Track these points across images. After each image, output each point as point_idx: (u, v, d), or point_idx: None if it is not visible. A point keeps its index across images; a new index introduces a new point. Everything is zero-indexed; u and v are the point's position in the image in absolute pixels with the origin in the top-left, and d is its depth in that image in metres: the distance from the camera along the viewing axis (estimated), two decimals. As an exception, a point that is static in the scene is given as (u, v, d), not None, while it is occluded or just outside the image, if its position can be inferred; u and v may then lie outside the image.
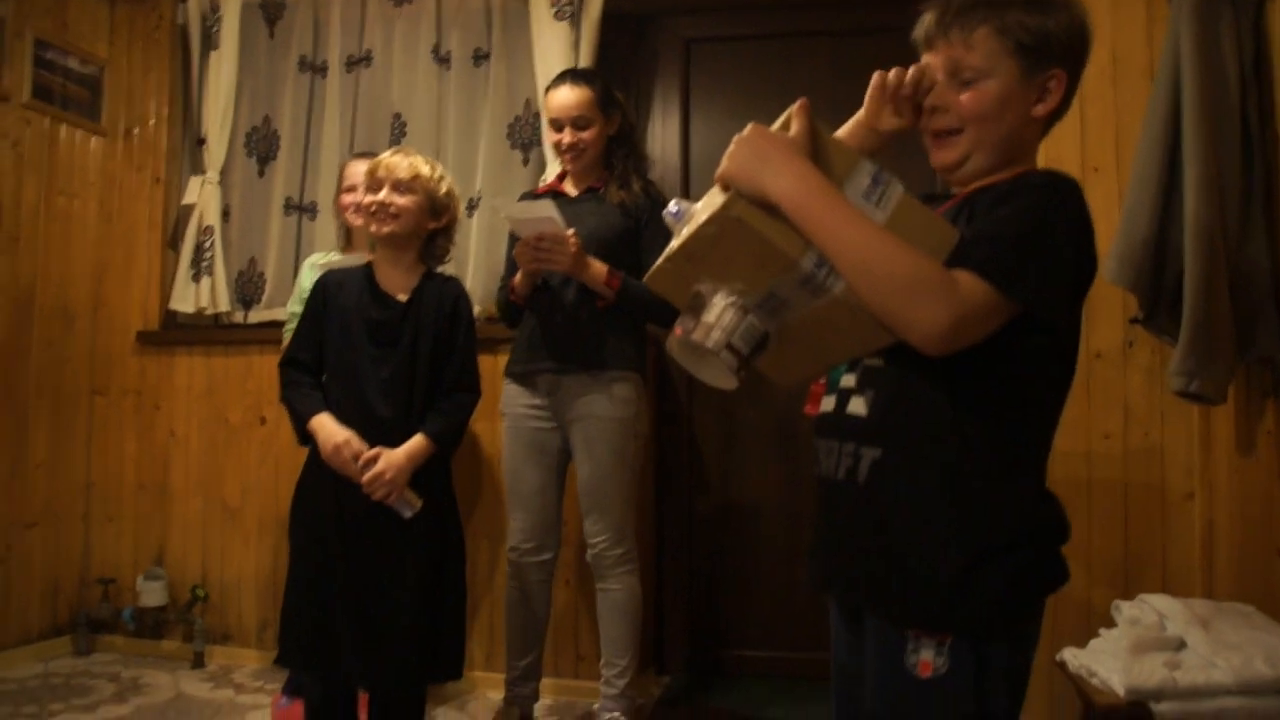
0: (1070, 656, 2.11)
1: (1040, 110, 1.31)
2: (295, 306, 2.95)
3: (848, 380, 1.33)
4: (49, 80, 3.62)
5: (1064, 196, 1.23)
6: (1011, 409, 1.25)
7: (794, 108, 1.24)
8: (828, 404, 1.37)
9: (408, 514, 2.36)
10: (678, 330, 1.26)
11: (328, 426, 2.38)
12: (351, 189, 2.92)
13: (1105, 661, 1.97)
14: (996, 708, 1.20)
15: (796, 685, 3.25)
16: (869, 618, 1.29)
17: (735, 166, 1.21)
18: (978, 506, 1.22)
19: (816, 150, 1.22)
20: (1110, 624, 2.16)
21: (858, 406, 1.30)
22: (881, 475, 1.25)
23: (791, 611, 3.35)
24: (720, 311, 1.25)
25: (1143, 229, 2.06)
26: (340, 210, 3.08)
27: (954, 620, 1.20)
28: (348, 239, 3.09)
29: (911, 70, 1.33)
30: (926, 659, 1.20)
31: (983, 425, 1.23)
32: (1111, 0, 2.46)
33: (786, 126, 1.24)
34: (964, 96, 1.30)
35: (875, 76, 1.36)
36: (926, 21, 1.35)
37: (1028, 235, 1.18)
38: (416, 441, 2.41)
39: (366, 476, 2.33)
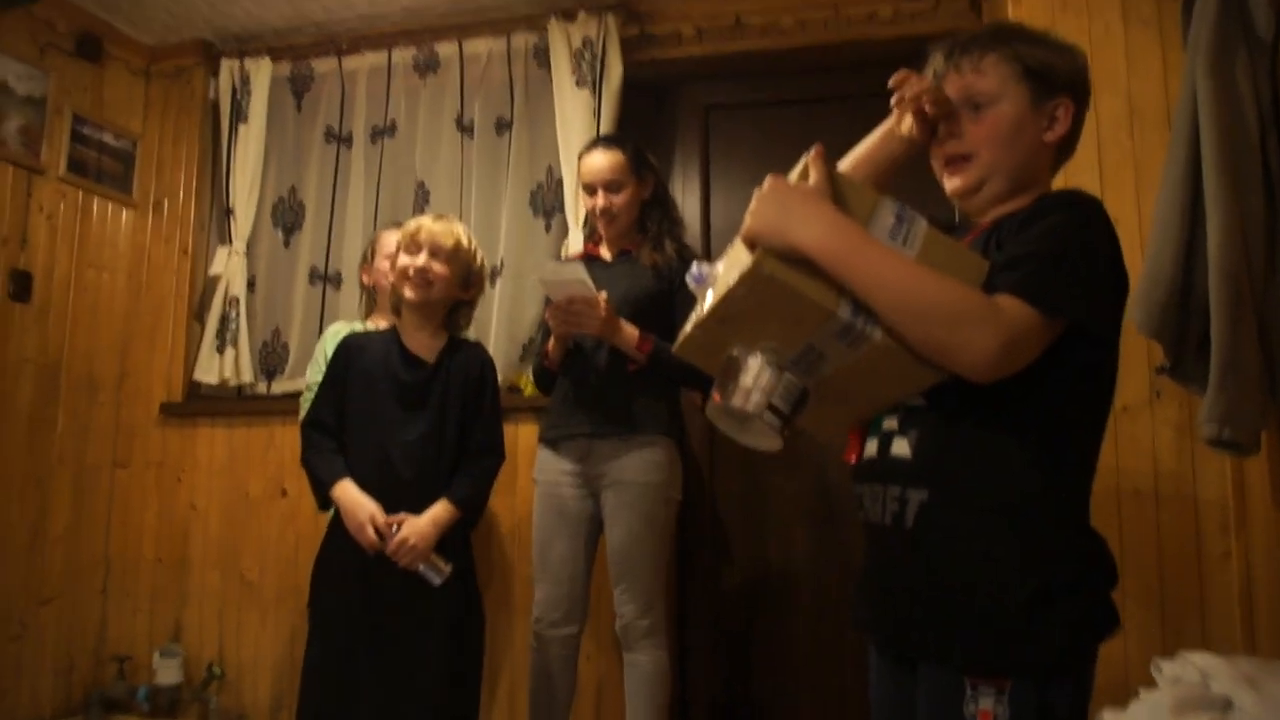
0: (1110, 718, 1.98)
1: (1050, 136, 1.32)
2: (315, 376, 2.93)
3: (890, 423, 1.30)
4: (84, 154, 3.69)
5: (1090, 211, 1.23)
6: (1059, 439, 1.22)
7: (810, 155, 1.23)
8: (870, 448, 1.33)
9: (437, 581, 2.32)
10: (715, 397, 1.24)
11: (352, 495, 2.35)
12: (389, 258, 2.93)
13: (1147, 720, 1.85)
14: None
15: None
16: (922, 665, 1.23)
17: (760, 222, 1.19)
18: (1036, 544, 1.18)
19: (837, 194, 1.20)
20: (1150, 683, 2.03)
21: (901, 448, 1.27)
22: (930, 517, 1.22)
23: (824, 686, 3.22)
24: (757, 373, 1.22)
25: (1167, 275, 1.99)
26: (364, 279, 3.09)
27: (1015, 664, 1.14)
28: (371, 307, 3.08)
29: (931, 81, 1.34)
30: (986, 707, 1.14)
31: (1032, 459, 1.20)
32: (1127, 51, 2.43)
33: (805, 176, 1.22)
34: (977, 123, 1.31)
35: (899, 73, 1.37)
36: (936, 59, 1.38)
37: (1062, 251, 1.18)
38: (441, 507, 2.38)
39: (393, 544, 2.29)
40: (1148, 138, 2.41)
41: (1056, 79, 1.32)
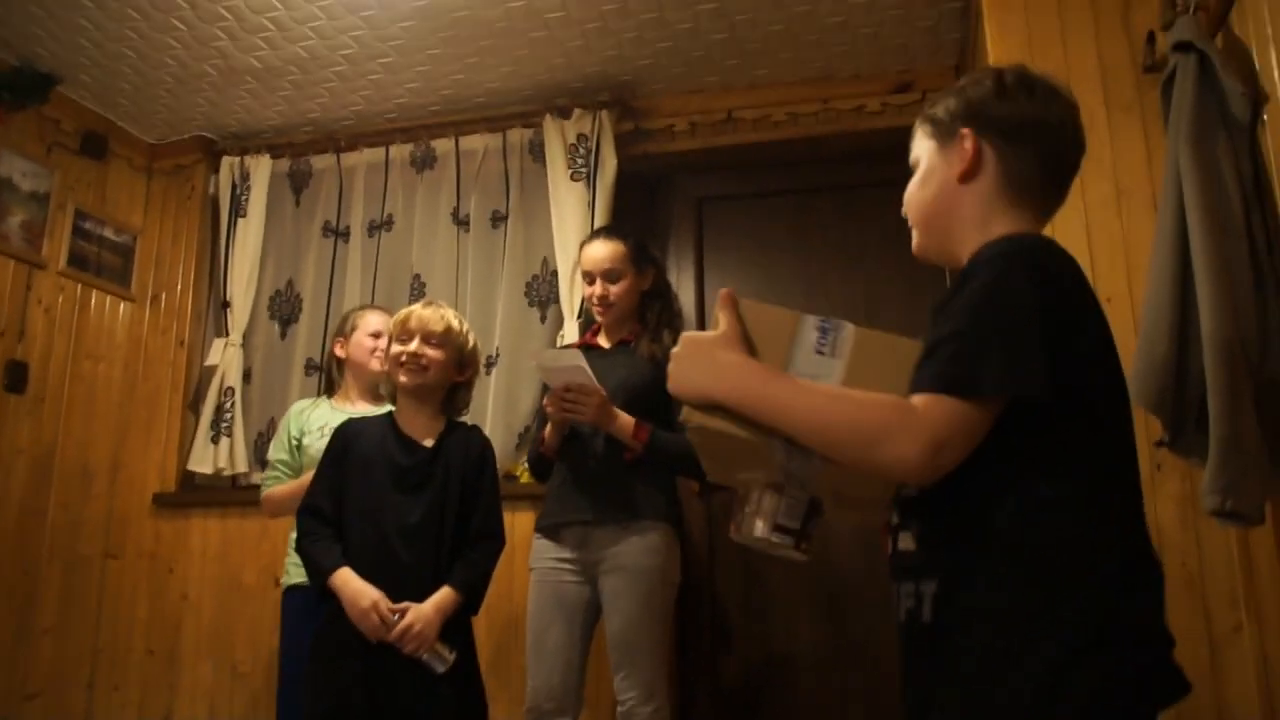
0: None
1: (956, 172, 1.30)
2: (280, 454, 2.94)
3: (895, 517, 1.27)
4: (84, 249, 3.74)
5: (1011, 261, 1.16)
6: (1063, 493, 1.13)
7: (718, 301, 1.26)
8: (891, 544, 1.29)
9: (440, 669, 2.28)
10: (732, 528, 1.29)
11: (353, 583, 2.32)
12: (376, 335, 2.96)
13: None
14: None
15: None
16: None
17: (677, 381, 1.23)
18: (1051, 608, 1.09)
19: (751, 331, 1.23)
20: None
21: (907, 542, 1.24)
22: (944, 608, 1.16)
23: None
24: (758, 499, 1.25)
25: (1161, 350, 2.03)
26: (339, 352, 3.08)
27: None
28: (334, 385, 3.09)
29: None
30: None
31: (1033, 520, 1.12)
32: (1111, 136, 2.52)
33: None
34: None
35: None
36: None
37: (978, 322, 1.13)
38: (444, 594, 2.35)
39: (397, 631, 2.26)
40: (1136, 218, 2.48)
41: (957, 116, 1.31)
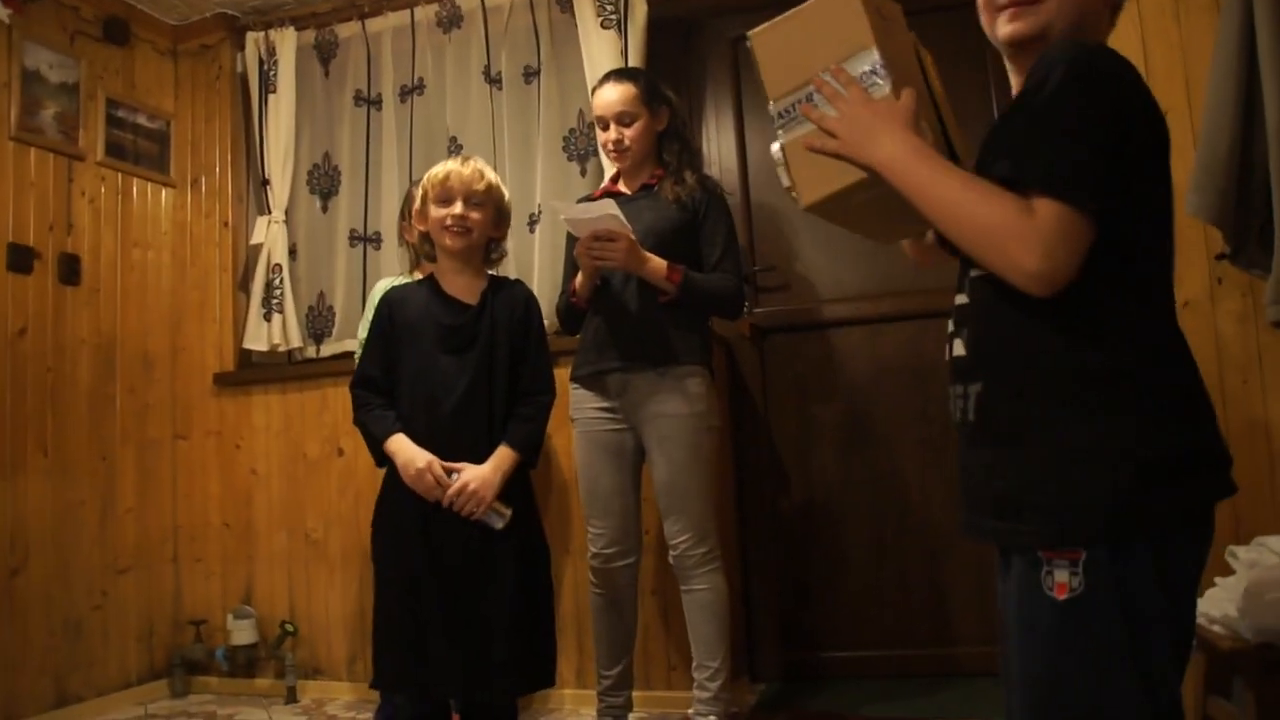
0: (1189, 609, 1.98)
1: None
2: (365, 332, 2.95)
3: (950, 325, 1.30)
4: (120, 138, 3.73)
5: (1098, 64, 1.16)
6: (1105, 307, 1.15)
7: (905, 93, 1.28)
8: (949, 350, 1.32)
9: (499, 525, 2.32)
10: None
11: (407, 449, 2.36)
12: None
13: (1226, 607, 1.85)
14: (1148, 619, 1.10)
15: (889, 684, 3.14)
16: (1004, 558, 1.23)
17: (846, 137, 1.26)
18: (1083, 411, 1.14)
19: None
20: (1226, 572, 2.03)
21: (959, 348, 1.27)
22: (985, 408, 1.22)
23: (879, 610, 3.25)
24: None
25: (1223, 155, 1.96)
26: (406, 236, 3.08)
27: (1081, 533, 1.11)
28: (416, 261, 3.09)
29: None
30: (1062, 580, 1.12)
31: (1075, 333, 1.15)
32: (1170, -68, 2.38)
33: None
34: None
35: None
36: None
37: (1084, 130, 1.12)
38: (502, 454, 2.38)
39: (450, 492, 2.30)
40: (1195, 23, 2.35)
41: None
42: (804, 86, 1.32)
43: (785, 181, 1.37)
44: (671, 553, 2.65)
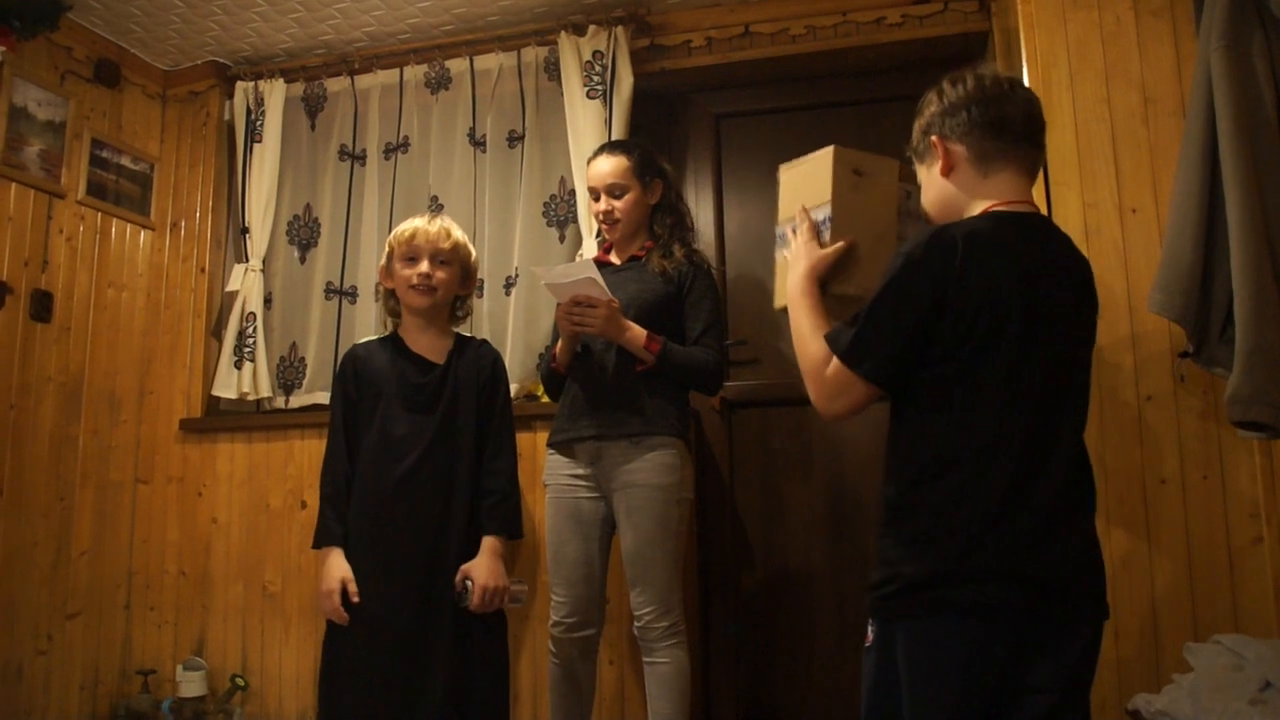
0: (1144, 704, 1.99)
1: (938, 169, 1.62)
2: None
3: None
4: (103, 178, 3.74)
5: (909, 251, 1.50)
6: (926, 425, 1.55)
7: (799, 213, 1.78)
8: None
9: (523, 600, 2.54)
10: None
11: (328, 564, 2.47)
12: None
13: (1184, 706, 1.85)
14: (902, 673, 1.48)
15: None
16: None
17: (780, 269, 1.82)
18: (893, 519, 1.56)
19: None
20: (1183, 668, 2.04)
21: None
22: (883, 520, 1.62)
23: (846, 686, 3.23)
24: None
25: (1187, 256, 2.01)
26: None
27: (872, 606, 1.55)
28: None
29: None
30: (870, 635, 1.56)
31: (905, 444, 1.58)
32: (1139, 42, 2.46)
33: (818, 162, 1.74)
34: None
35: None
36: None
37: (872, 307, 1.51)
38: (489, 545, 2.45)
39: (475, 601, 2.36)
40: (1163, 126, 2.42)
41: (922, 133, 1.66)
42: (792, 219, 1.74)
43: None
44: (635, 623, 2.63)
